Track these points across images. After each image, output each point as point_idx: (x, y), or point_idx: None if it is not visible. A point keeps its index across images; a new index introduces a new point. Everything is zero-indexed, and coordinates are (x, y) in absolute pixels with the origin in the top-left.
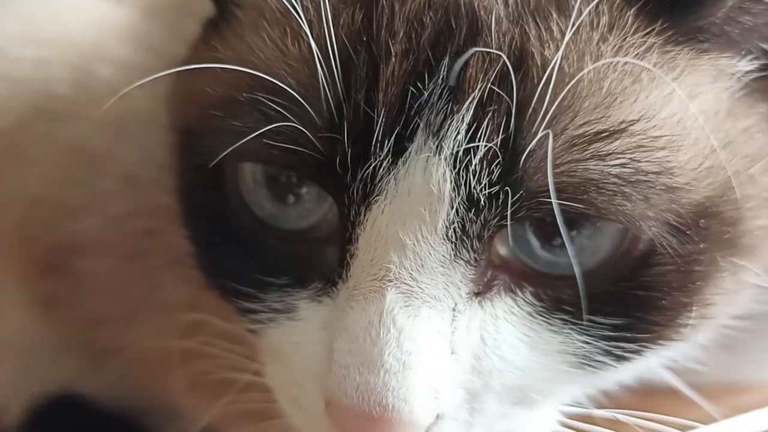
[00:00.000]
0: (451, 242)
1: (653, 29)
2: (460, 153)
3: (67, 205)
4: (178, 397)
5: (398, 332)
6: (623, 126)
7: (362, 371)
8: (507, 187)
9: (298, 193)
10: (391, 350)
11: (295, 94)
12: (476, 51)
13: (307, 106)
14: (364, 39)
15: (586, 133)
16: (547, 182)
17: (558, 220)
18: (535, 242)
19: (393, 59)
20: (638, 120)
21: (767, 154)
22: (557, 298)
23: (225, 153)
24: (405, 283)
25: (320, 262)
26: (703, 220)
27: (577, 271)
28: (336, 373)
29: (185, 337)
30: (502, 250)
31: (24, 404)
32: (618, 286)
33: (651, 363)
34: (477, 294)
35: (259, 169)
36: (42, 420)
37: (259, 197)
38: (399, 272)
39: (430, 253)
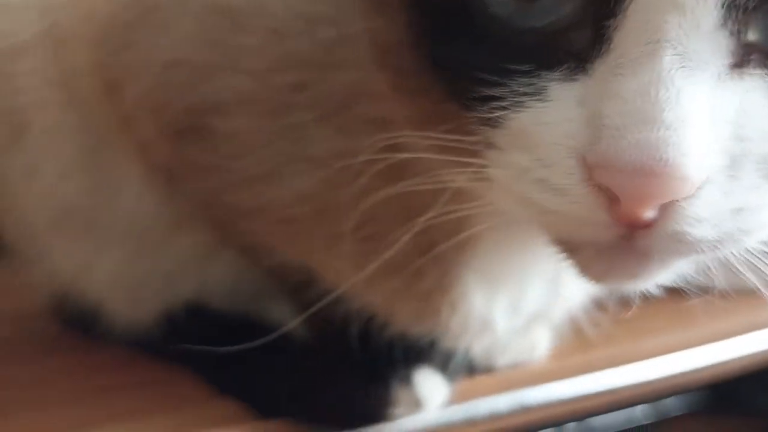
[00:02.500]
0: (722, 6)
1: None
2: None
3: (207, 65)
4: (325, 265)
5: (676, 91)
6: None
7: (639, 129)
8: None
9: None
10: (670, 107)
11: None
12: None
13: None
14: None
15: None
16: None
17: None
18: None
19: None
20: None
21: None
22: None
23: None
24: (680, 45)
25: (570, 45)
26: None
27: None
28: (607, 136)
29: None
30: (752, 35)
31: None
32: None
33: None
34: (735, 65)
35: None
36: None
37: None
38: (676, 33)
39: (704, 16)
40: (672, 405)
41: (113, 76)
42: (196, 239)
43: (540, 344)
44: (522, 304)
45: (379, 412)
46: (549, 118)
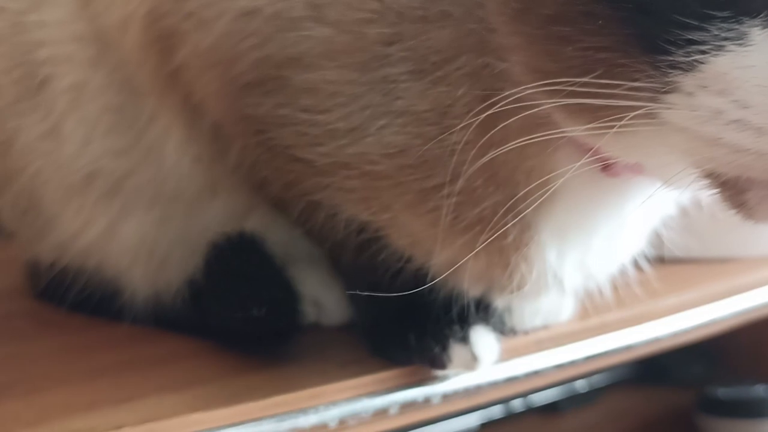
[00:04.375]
0: None
1: None
2: None
3: (288, 16)
4: (398, 222)
5: None
6: None
7: None
8: None
9: None
10: None
11: None
12: None
13: None
14: None
15: None
16: None
17: None
18: None
19: None
20: None
21: None
22: None
23: None
24: None
25: None
26: None
27: None
28: None
29: None
30: None
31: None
32: None
33: None
34: None
35: None
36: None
37: None
38: None
39: None
40: (603, 376)
41: (171, 26)
42: (227, 203)
43: (567, 307)
44: (586, 264)
45: (435, 370)
46: (751, 62)
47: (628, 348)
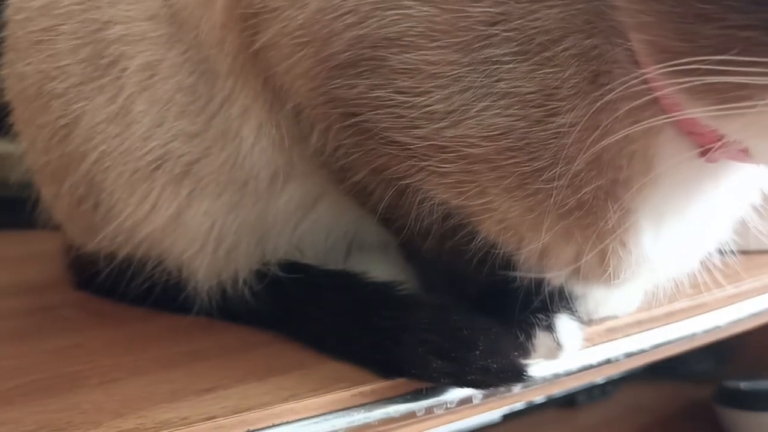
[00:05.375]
0: None
1: None
2: None
3: None
4: (491, 207)
5: None
6: None
7: None
8: None
9: None
10: None
11: None
12: None
13: None
14: None
15: None
16: None
17: None
18: None
19: None
20: None
21: None
22: None
23: None
24: None
25: None
26: None
27: None
28: None
29: None
30: None
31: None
32: None
33: None
34: None
35: None
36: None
37: None
38: None
39: None
40: None
41: (259, 2)
42: (298, 190)
43: (636, 296)
44: (677, 250)
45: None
46: None
47: (692, 336)
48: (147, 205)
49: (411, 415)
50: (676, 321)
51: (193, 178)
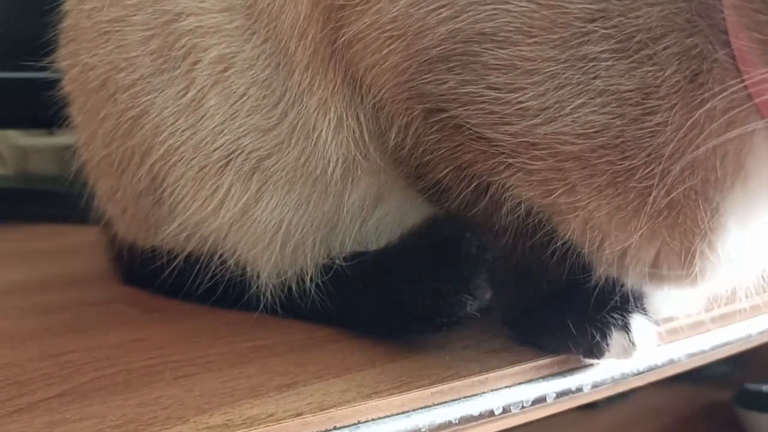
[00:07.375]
0: None
1: None
2: None
3: None
4: (578, 207)
5: None
6: None
7: None
8: None
9: None
10: None
11: None
12: None
13: None
14: None
15: None
16: None
17: None
18: None
19: None
20: None
21: None
22: None
23: None
24: None
25: None
26: None
27: None
28: None
29: None
30: None
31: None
32: None
33: None
34: None
35: None
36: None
37: None
38: None
39: None
40: None
41: None
42: (367, 186)
43: (701, 298)
44: (758, 251)
45: (589, 359)
46: None
47: (748, 338)
48: (214, 201)
49: (489, 414)
50: (735, 322)
51: (263, 174)
